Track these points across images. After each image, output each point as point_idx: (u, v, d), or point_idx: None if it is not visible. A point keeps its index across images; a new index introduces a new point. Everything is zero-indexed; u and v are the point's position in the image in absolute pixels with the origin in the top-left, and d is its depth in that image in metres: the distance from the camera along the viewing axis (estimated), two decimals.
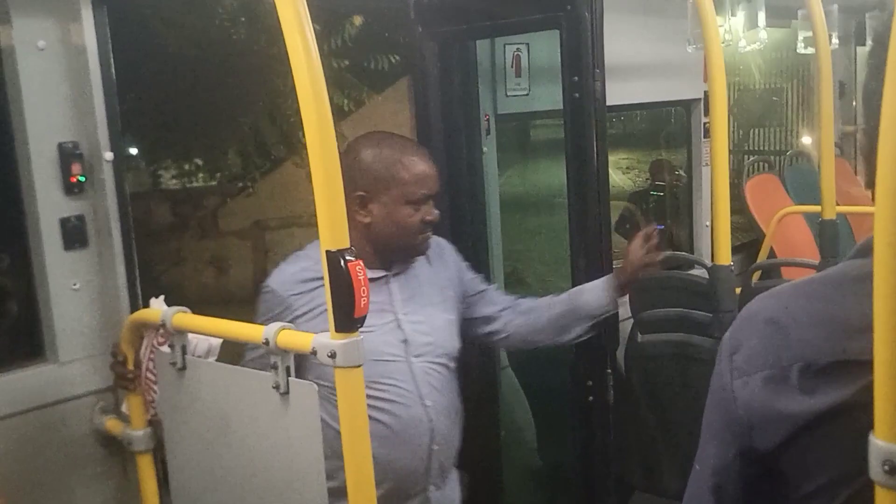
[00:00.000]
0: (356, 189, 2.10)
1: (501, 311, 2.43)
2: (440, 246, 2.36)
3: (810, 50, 3.08)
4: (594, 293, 2.40)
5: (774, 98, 5.99)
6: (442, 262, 2.34)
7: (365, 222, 2.12)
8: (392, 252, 2.18)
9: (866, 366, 0.77)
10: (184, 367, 1.89)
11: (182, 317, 1.87)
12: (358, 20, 4.33)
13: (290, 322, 1.96)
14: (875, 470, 0.77)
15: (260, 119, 5.14)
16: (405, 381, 2.14)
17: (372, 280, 2.05)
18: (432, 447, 2.19)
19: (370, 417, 1.96)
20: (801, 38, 3.10)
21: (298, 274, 2.09)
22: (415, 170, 2.13)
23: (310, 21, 1.46)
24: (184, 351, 1.89)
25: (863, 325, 0.77)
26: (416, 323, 2.19)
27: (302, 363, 1.94)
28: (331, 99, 1.49)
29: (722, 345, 1.04)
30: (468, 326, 2.40)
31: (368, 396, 1.96)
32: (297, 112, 1.50)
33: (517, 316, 2.43)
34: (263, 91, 4.96)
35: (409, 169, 2.12)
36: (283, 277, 2.10)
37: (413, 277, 2.24)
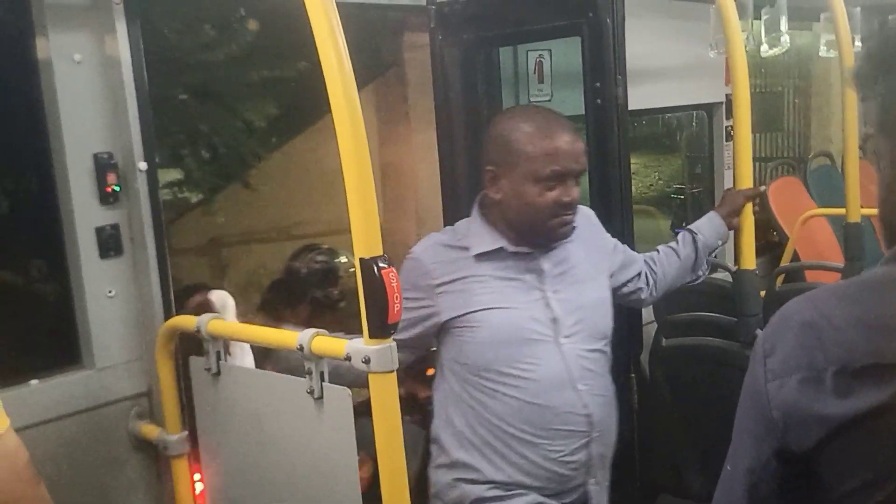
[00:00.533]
0: (487, 163, 2.02)
1: (641, 270, 2.39)
2: (587, 218, 2.25)
3: (833, 53, 3.09)
4: (708, 228, 2.50)
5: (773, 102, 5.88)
6: (592, 236, 2.24)
7: (496, 199, 2.01)
8: (527, 233, 2.03)
9: None
10: (218, 373, 1.93)
11: (216, 323, 1.91)
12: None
13: (430, 289, 1.99)
14: None
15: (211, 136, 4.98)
16: (554, 363, 2.00)
17: (518, 255, 2.05)
18: (592, 434, 2.05)
19: (516, 399, 1.97)
20: (823, 41, 3.11)
21: (443, 241, 2.07)
22: (544, 145, 1.95)
23: (342, 30, 1.49)
24: (218, 357, 1.93)
25: None
26: (566, 301, 2.05)
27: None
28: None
29: (755, 348, 1.06)
30: (615, 294, 2.29)
31: (512, 377, 1.98)
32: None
33: (652, 270, 2.42)
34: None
35: (538, 144, 1.96)
36: (427, 244, 2.09)
37: (563, 253, 2.10)
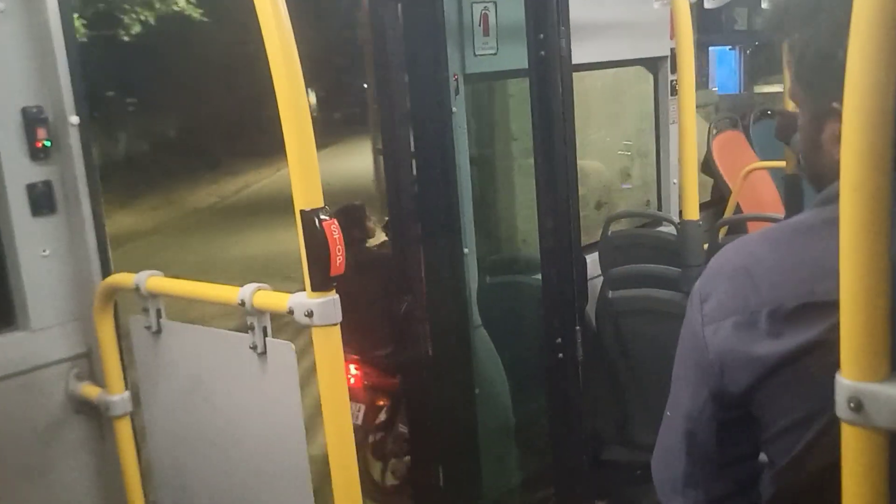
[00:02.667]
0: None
1: None
2: None
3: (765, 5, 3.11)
4: None
5: None
6: None
7: None
8: None
9: (833, 306, 0.79)
10: (159, 331, 1.90)
11: (156, 280, 1.87)
12: None
13: None
14: (841, 407, 0.80)
15: None
16: None
17: None
18: None
19: None
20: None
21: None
22: None
23: None
24: (158, 314, 1.89)
25: (829, 267, 0.80)
26: None
27: None
28: None
29: (692, 295, 1.07)
30: None
31: None
32: None
33: None
34: None
35: None
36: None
37: None
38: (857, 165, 0.78)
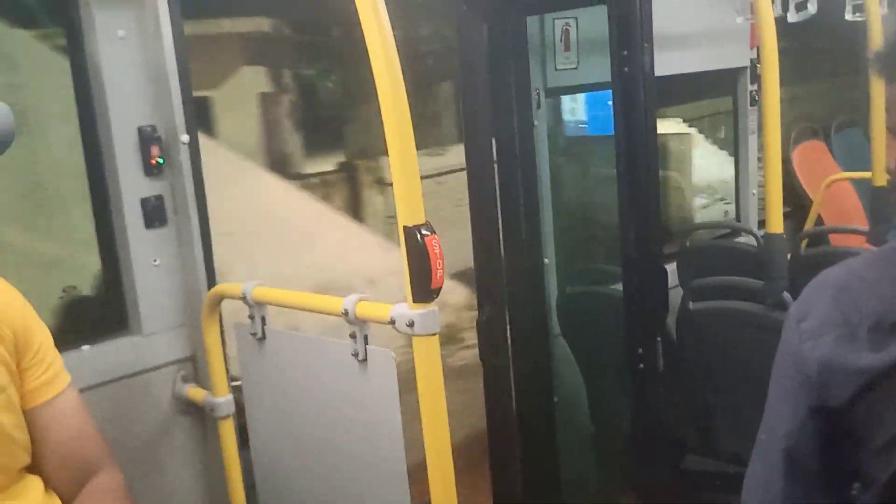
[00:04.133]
0: None
1: None
2: None
3: (859, 17, 3.09)
4: None
5: None
6: None
7: None
8: None
9: None
10: (263, 337, 2.01)
11: (261, 290, 1.98)
12: None
13: None
14: None
15: None
16: None
17: None
18: None
19: None
20: (848, 5, 3.11)
21: None
22: None
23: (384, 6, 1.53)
24: (263, 322, 2.00)
25: None
26: None
27: None
28: None
29: (788, 315, 1.11)
30: None
31: None
32: None
33: None
34: None
35: None
36: None
37: None
38: None
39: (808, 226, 4.20)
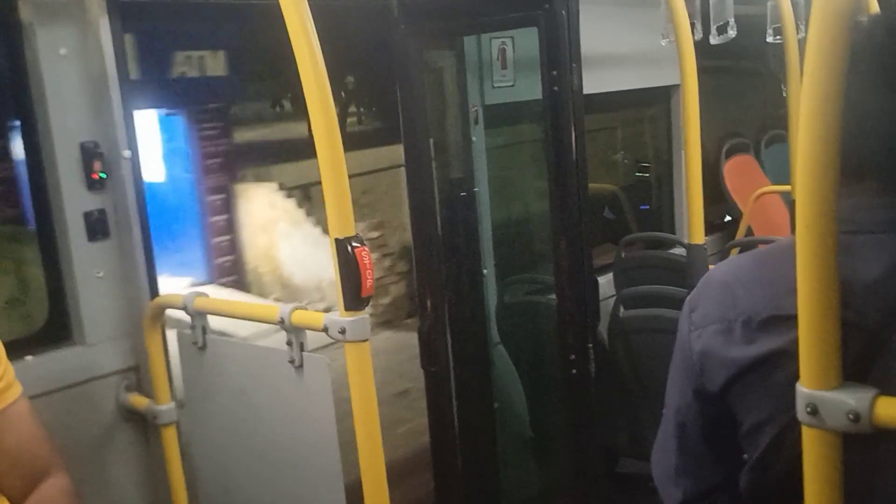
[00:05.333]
0: None
1: None
2: None
3: (779, 39, 3.26)
4: None
5: None
6: None
7: None
8: None
9: (796, 320, 0.93)
10: (204, 346, 2.08)
11: (202, 300, 2.05)
12: None
13: None
14: (800, 411, 0.94)
15: None
16: None
17: None
18: None
19: None
20: (769, 28, 3.28)
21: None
22: None
23: (313, 25, 1.62)
24: (204, 331, 2.07)
25: (794, 286, 0.93)
26: None
27: None
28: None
29: (684, 305, 1.24)
30: None
31: None
32: None
33: None
34: None
35: None
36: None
37: None
38: (808, 206, 0.93)
39: (739, 236, 4.38)
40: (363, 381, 1.70)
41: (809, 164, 0.91)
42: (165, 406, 2.25)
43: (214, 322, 2.11)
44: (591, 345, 2.81)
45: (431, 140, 3.09)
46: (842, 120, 0.88)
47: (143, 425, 2.38)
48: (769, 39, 3.31)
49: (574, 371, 2.83)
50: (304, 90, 1.61)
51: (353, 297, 1.66)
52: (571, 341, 2.83)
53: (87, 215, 2.26)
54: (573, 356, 2.82)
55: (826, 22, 0.87)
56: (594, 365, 2.79)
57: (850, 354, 0.97)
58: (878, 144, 1.07)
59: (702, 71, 2.81)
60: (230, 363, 2.05)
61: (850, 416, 0.91)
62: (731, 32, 2.91)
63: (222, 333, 2.19)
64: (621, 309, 3.25)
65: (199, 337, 2.07)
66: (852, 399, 0.91)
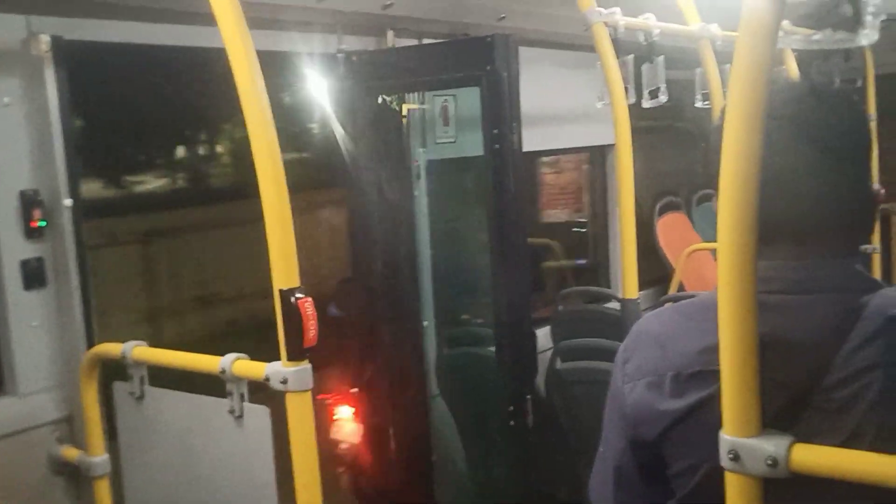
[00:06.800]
0: None
1: None
2: None
3: (707, 104, 3.42)
4: None
5: None
6: None
7: None
8: None
9: (718, 375, 0.99)
10: (142, 396, 2.06)
11: (141, 350, 2.04)
12: None
13: None
14: (723, 457, 0.99)
15: None
16: None
17: None
18: None
19: None
20: (698, 93, 3.44)
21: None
22: None
23: (260, 71, 1.66)
24: (142, 381, 2.06)
25: (716, 342, 0.99)
26: None
27: None
28: None
29: (617, 355, 1.29)
30: None
31: None
32: None
33: None
34: None
35: None
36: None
37: None
38: (727, 267, 1.00)
39: (671, 291, 4.50)
40: (304, 431, 1.71)
41: (730, 225, 0.98)
42: (99, 458, 2.21)
43: None
44: (529, 396, 2.86)
45: (373, 193, 3.14)
46: (761, 182, 0.94)
47: (76, 478, 2.33)
48: (698, 104, 3.47)
49: (512, 422, 2.87)
50: (251, 139, 1.64)
51: (296, 347, 1.68)
52: (510, 393, 2.87)
53: (23, 264, 2.24)
54: (511, 407, 2.87)
55: (745, 86, 0.94)
56: (532, 416, 2.83)
57: (774, 408, 1.03)
58: (793, 205, 1.14)
59: (636, 131, 2.94)
60: (169, 413, 2.03)
61: (769, 462, 0.96)
62: (663, 97, 3.05)
63: None
64: (559, 361, 3.32)
65: (136, 387, 2.06)
66: (771, 446, 0.96)
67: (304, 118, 2.88)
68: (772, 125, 0.96)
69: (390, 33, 3.16)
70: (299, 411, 1.70)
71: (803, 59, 4.11)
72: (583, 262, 5.21)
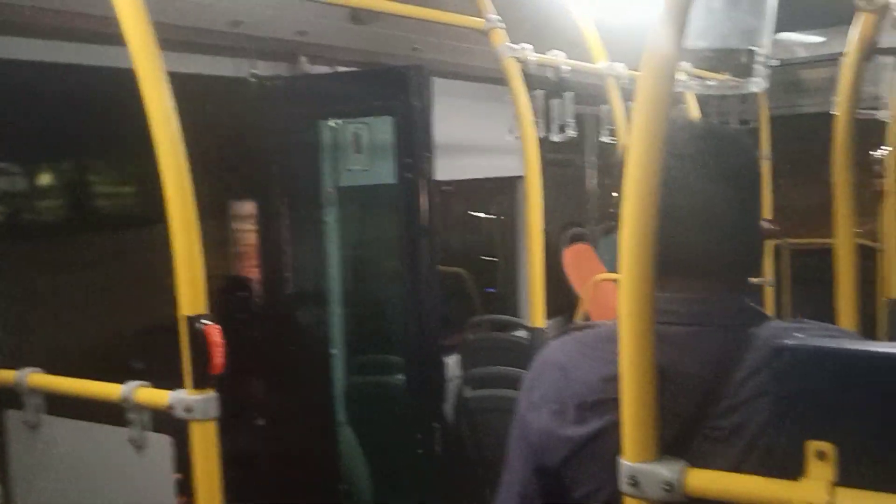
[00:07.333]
0: None
1: None
2: None
3: (612, 139, 3.53)
4: None
5: None
6: None
7: None
8: None
9: (618, 403, 1.02)
10: (37, 425, 1.98)
11: (37, 377, 1.96)
12: None
13: None
14: (622, 483, 1.03)
15: None
16: None
17: None
18: None
19: None
20: (604, 129, 3.56)
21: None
22: None
23: (168, 85, 1.63)
24: (37, 410, 1.98)
25: (616, 372, 1.03)
26: None
27: None
28: None
29: (523, 383, 1.32)
30: None
31: None
32: None
33: None
34: None
35: None
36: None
37: None
38: (627, 299, 1.04)
39: (577, 320, 4.60)
40: (208, 463, 1.67)
41: (630, 258, 1.02)
42: None
43: None
44: (436, 424, 2.88)
45: (284, 219, 3.12)
46: (660, 217, 0.99)
47: None
48: (604, 139, 3.58)
49: (420, 450, 2.88)
50: (160, 162, 1.62)
51: (202, 374, 1.65)
52: (418, 421, 2.88)
53: None
54: (419, 436, 2.88)
55: (645, 124, 0.99)
56: (440, 444, 2.85)
57: (670, 435, 1.08)
58: (689, 240, 1.20)
59: (546, 163, 3.02)
60: (66, 444, 1.96)
61: (665, 487, 1.00)
62: (571, 132, 3.13)
63: None
64: (467, 389, 3.34)
65: (31, 416, 1.97)
66: (667, 471, 1.00)
67: (215, 142, 2.85)
68: (671, 162, 1.01)
69: (303, 59, 3.16)
70: (204, 441, 1.67)
71: (703, 99, 4.31)
72: (492, 290, 5.28)
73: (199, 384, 1.66)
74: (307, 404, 3.30)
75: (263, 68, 3.05)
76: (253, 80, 2.99)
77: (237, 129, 3.02)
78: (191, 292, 1.63)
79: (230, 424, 1.88)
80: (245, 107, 3.04)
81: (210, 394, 1.66)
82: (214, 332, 1.65)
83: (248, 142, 3.05)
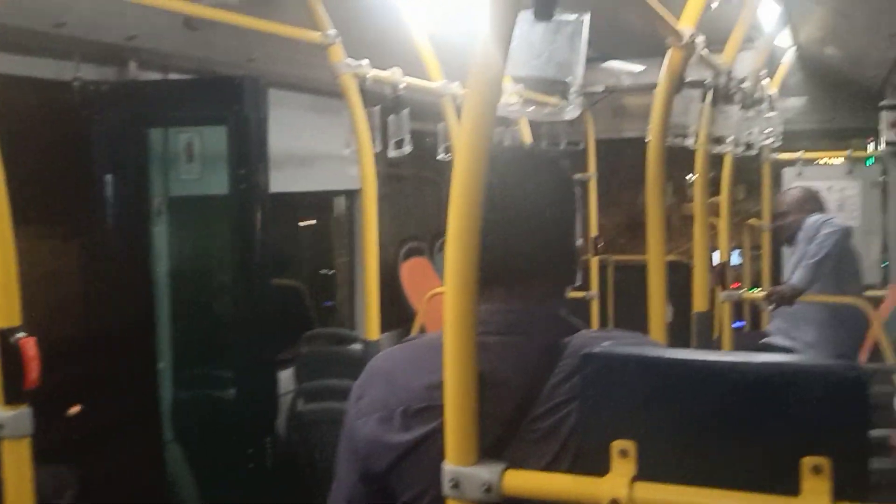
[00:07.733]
0: None
1: None
2: None
3: (448, 157, 3.62)
4: None
5: None
6: None
7: None
8: None
9: (442, 409, 1.06)
10: None
11: None
12: None
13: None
14: (445, 486, 1.06)
15: None
16: None
17: None
18: None
19: None
20: (441, 146, 3.64)
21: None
22: None
23: None
24: None
25: (440, 380, 1.06)
26: None
27: None
28: None
29: (352, 392, 1.35)
30: None
31: None
32: None
33: None
34: None
35: None
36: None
37: None
38: (451, 310, 1.08)
39: (413, 333, 4.67)
40: (21, 482, 1.60)
41: (454, 272, 1.07)
42: None
43: None
44: (268, 438, 2.84)
45: (109, 230, 3.00)
46: (482, 233, 1.04)
47: None
48: (440, 157, 3.67)
49: (251, 465, 2.83)
50: None
51: (15, 389, 1.57)
52: (249, 435, 2.84)
53: None
54: (250, 450, 2.83)
55: (469, 144, 1.04)
56: (272, 458, 2.82)
57: (490, 439, 1.14)
58: (506, 255, 1.28)
59: (385, 178, 3.06)
60: None
61: (485, 488, 1.05)
62: (407, 148, 3.19)
63: None
64: (301, 402, 3.32)
65: None
66: (486, 473, 1.05)
67: (35, 149, 2.70)
68: (493, 180, 1.07)
69: (133, 65, 3.05)
70: (17, 460, 1.59)
71: (534, 121, 4.50)
72: (329, 303, 5.27)
73: (13, 399, 1.57)
74: (130, 422, 3.17)
75: (89, 72, 2.91)
76: (77, 83, 2.85)
77: (57, 135, 2.87)
78: (5, 303, 1.56)
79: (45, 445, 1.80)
80: (68, 113, 2.89)
81: (24, 409, 1.59)
82: (30, 345, 1.58)
83: (70, 150, 2.90)
